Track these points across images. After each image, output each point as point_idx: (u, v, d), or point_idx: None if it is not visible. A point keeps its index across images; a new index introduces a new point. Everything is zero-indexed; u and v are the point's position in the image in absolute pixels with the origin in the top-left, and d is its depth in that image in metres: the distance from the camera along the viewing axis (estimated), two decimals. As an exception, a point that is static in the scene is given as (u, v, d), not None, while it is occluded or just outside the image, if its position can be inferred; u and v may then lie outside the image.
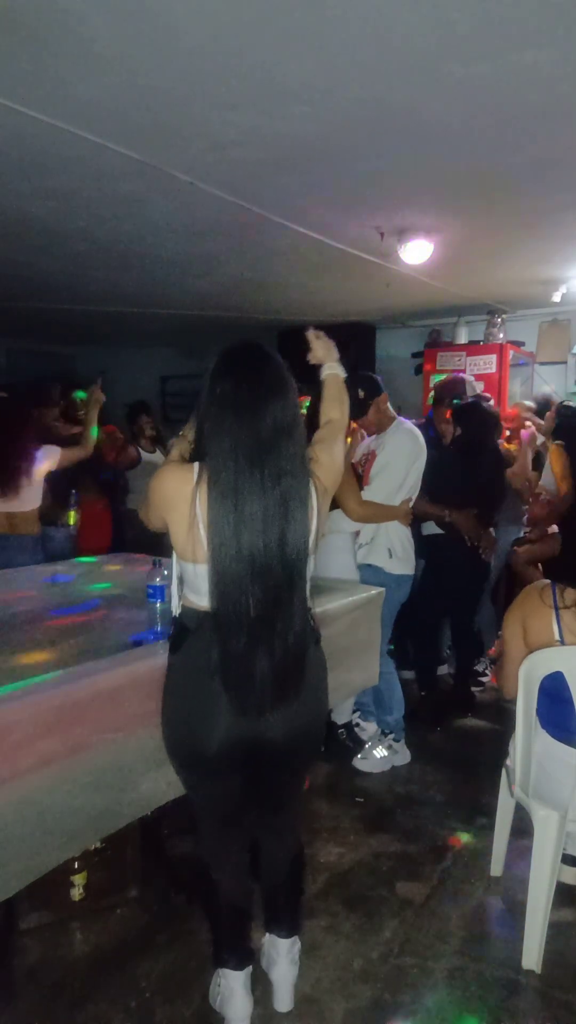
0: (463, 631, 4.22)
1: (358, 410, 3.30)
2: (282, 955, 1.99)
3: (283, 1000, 1.99)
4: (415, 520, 3.84)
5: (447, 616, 4.27)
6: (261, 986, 2.01)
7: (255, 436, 1.60)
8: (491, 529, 4.00)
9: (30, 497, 3.77)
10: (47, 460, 3.81)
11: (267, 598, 1.62)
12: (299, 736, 1.76)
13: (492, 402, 4.99)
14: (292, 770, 1.89)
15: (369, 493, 3.20)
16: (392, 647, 4.62)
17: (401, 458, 3.23)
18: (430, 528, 3.97)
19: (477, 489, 3.90)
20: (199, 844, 1.95)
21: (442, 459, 3.84)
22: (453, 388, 4.53)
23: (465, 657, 4.22)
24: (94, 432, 4.05)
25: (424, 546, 4.01)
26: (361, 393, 3.28)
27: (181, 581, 1.80)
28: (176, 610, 1.86)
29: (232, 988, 1.90)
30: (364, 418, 3.36)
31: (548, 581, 2.29)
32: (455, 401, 4.34)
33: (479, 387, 5.23)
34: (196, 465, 1.66)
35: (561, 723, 2.18)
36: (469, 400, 4.38)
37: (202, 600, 1.69)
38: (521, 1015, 2.03)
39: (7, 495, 3.65)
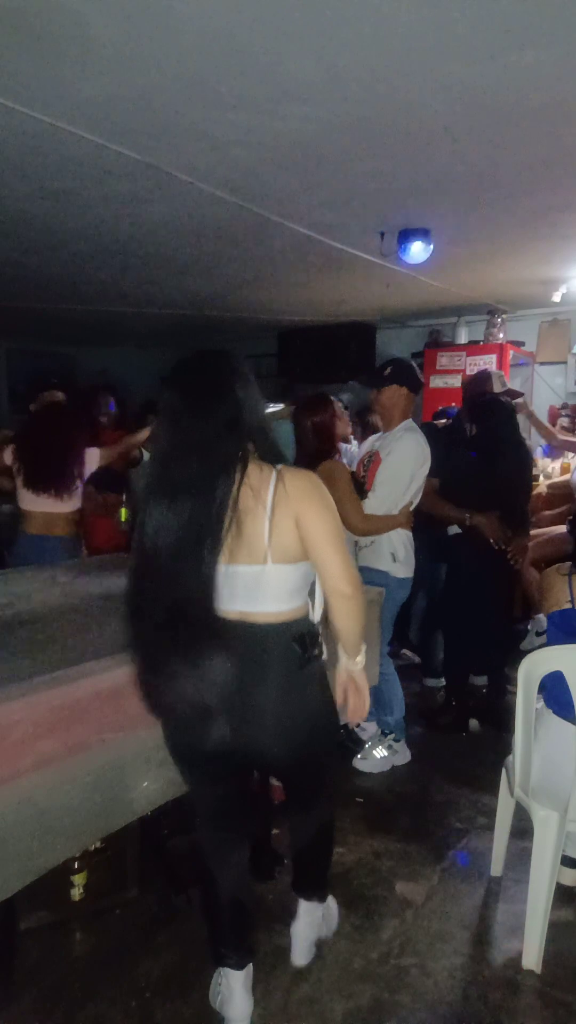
0: (490, 638, 4.06)
1: (376, 382, 3.33)
2: (302, 913, 2.12)
3: (298, 953, 2.13)
4: (439, 523, 3.80)
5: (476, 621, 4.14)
6: (262, 986, 2.02)
7: (175, 443, 1.66)
8: (522, 533, 3.82)
9: (72, 497, 3.82)
10: (91, 462, 3.89)
11: (164, 602, 1.62)
12: (277, 750, 1.76)
13: (523, 398, 4.85)
14: (288, 773, 1.93)
15: (374, 500, 3.18)
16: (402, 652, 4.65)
17: (406, 465, 3.20)
18: (454, 530, 3.85)
19: (498, 490, 3.74)
20: (199, 841, 1.96)
21: (461, 459, 3.75)
22: (479, 384, 4.38)
23: (496, 665, 4.04)
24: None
25: (446, 548, 3.93)
26: (388, 370, 3.31)
27: None
28: None
29: (232, 988, 1.90)
30: (379, 399, 3.33)
31: (569, 563, 2.50)
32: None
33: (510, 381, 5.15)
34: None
35: (565, 701, 2.24)
36: (486, 397, 4.29)
37: None
38: (521, 1015, 2.03)
39: (63, 497, 3.73)
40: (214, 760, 1.75)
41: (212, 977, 2.00)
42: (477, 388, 4.32)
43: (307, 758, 1.83)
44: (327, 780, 2.08)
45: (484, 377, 4.50)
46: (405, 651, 4.71)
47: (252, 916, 2.01)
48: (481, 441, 3.82)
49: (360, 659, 1.86)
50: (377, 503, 3.18)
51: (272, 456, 1.72)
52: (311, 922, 2.13)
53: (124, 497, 4.35)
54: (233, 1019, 1.90)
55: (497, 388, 4.32)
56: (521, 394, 4.84)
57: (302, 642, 1.72)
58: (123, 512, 4.30)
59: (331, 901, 2.29)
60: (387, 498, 3.19)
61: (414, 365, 3.55)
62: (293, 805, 2.07)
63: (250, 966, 1.94)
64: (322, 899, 2.17)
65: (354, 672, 1.88)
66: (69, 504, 3.79)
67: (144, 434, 4.17)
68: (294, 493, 1.65)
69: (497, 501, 3.70)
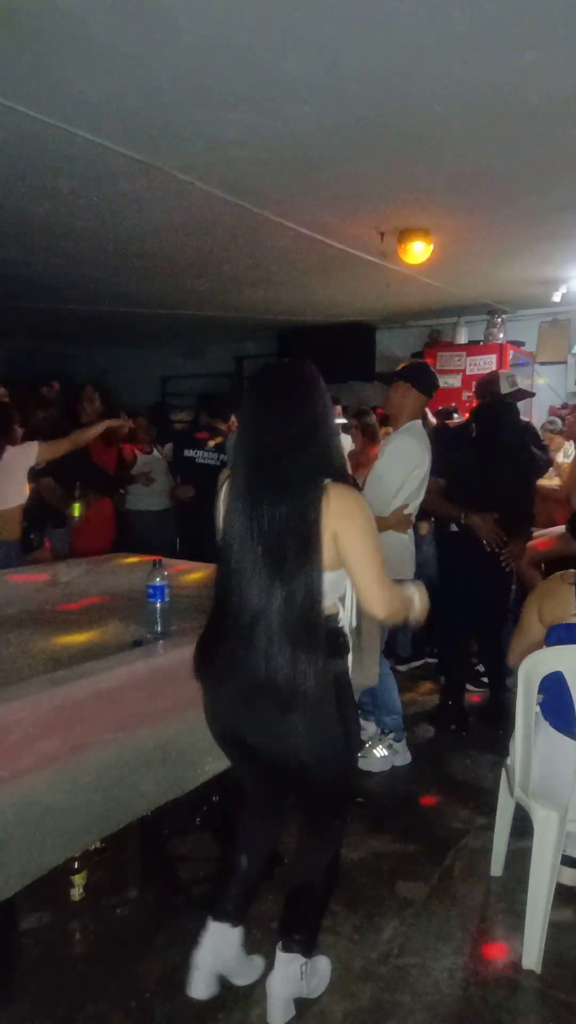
0: (487, 641, 4.02)
1: (387, 378, 3.40)
2: (278, 965, 1.93)
3: (272, 1013, 1.92)
4: (440, 519, 3.78)
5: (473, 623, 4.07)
6: (261, 986, 2.01)
7: (259, 445, 1.75)
8: (520, 538, 3.74)
9: (8, 494, 3.68)
10: (24, 456, 3.73)
11: (245, 591, 1.71)
12: (281, 751, 1.79)
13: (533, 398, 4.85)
14: (293, 779, 1.90)
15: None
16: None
17: (397, 466, 3.15)
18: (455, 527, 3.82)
19: (496, 492, 3.68)
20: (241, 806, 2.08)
21: (463, 460, 3.73)
22: (487, 386, 4.37)
23: (493, 669, 4.01)
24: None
25: (443, 546, 3.91)
26: (400, 367, 3.32)
27: None
28: None
29: (203, 935, 1.97)
30: (388, 396, 3.32)
31: (573, 571, 2.33)
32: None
33: (525, 381, 5.12)
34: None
35: (564, 714, 2.20)
36: (487, 400, 4.26)
37: None
38: (521, 1015, 2.03)
39: None
40: (216, 734, 1.88)
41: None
42: (485, 390, 4.32)
43: (310, 758, 1.79)
44: (336, 807, 1.95)
45: (492, 378, 4.50)
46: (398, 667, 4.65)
47: (253, 893, 2.08)
48: (481, 443, 3.80)
49: (407, 596, 1.89)
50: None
51: (332, 471, 1.75)
52: (287, 977, 1.91)
53: (77, 492, 4.23)
54: (194, 966, 1.96)
55: (504, 389, 4.29)
56: (532, 394, 4.81)
57: (327, 636, 1.75)
58: (76, 507, 4.22)
59: (323, 962, 2.07)
60: (373, 501, 3.15)
61: (430, 369, 3.52)
62: (302, 818, 2.04)
63: (227, 929, 1.98)
64: (306, 952, 1.94)
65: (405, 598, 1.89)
66: (4, 500, 3.66)
67: (95, 430, 4.06)
68: (335, 510, 1.69)
69: (495, 503, 3.67)
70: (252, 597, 1.70)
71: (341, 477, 1.77)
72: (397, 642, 4.61)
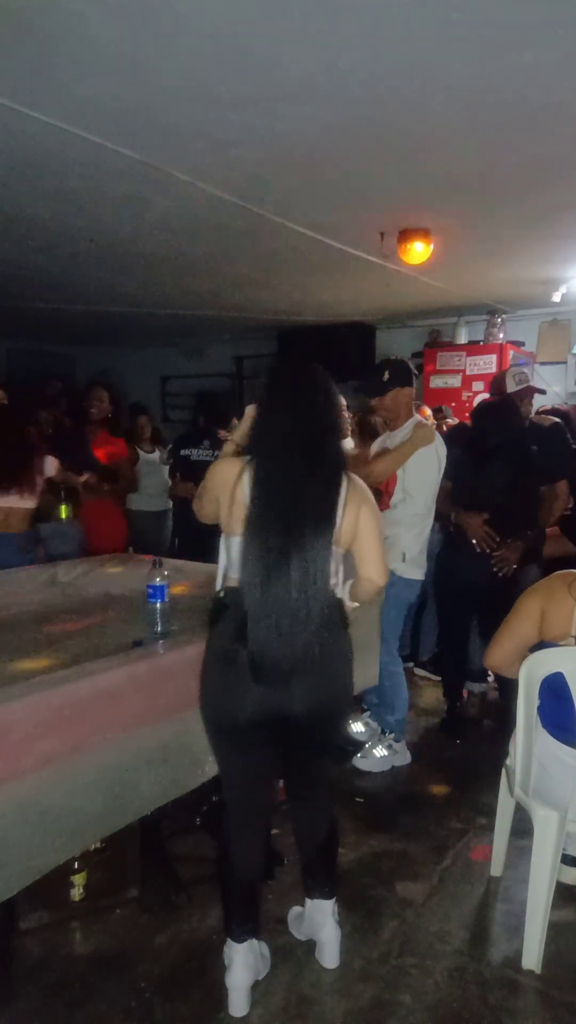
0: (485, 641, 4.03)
1: (377, 390, 3.41)
2: (327, 916, 2.14)
3: (331, 957, 2.14)
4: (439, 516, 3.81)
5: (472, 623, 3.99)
6: (262, 986, 2.02)
7: (295, 432, 1.86)
8: (517, 542, 3.61)
9: (33, 496, 3.80)
10: (49, 466, 3.91)
11: (284, 573, 1.79)
12: (319, 713, 1.91)
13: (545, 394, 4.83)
14: (317, 743, 2.02)
15: (412, 506, 3.24)
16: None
17: (430, 460, 3.25)
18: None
19: (489, 492, 3.62)
20: (223, 818, 2.07)
21: (459, 458, 3.69)
22: (495, 385, 4.37)
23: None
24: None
25: (442, 545, 3.89)
26: (386, 375, 3.38)
27: (228, 561, 1.98)
28: (219, 586, 2.00)
29: (231, 959, 2.00)
30: (382, 403, 3.39)
31: None
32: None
33: (539, 378, 5.14)
34: (246, 457, 1.92)
35: (562, 723, 2.18)
36: (484, 400, 4.25)
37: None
38: (521, 1015, 2.03)
39: (24, 493, 3.71)
40: (249, 728, 1.88)
41: (212, 976, 2.04)
42: (494, 389, 4.31)
43: (329, 724, 2.01)
44: (332, 753, 2.15)
45: (500, 377, 4.46)
46: (416, 669, 4.63)
47: (259, 898, 2.10)
48: (473, 441, 3.77)
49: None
50: (414, 507, 3.24)
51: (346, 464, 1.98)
52: (337, 920, 2.18)
53: (62, 494, 4.23)
54: (231, 988, 1.99)
55: (511, 387, 4.21)
56: (542, 391, 4.73)
57: (339, 609, 1.96)
58: (63, 510, 4.20)
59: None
60: (428, 496, 3.27)
61: (406, 362, 3.58)
62: (300, 790, 2.14)
63: (253, 942, 2.03)
64: (337, 894, 2.22)
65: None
66: (28, 501, 3.78)
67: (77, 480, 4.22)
68: (360, 492, 1.96)
69: (486, 504, 3.62)
70: (276, 575, 1.78)
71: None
72: (421, 645, 4.60)
